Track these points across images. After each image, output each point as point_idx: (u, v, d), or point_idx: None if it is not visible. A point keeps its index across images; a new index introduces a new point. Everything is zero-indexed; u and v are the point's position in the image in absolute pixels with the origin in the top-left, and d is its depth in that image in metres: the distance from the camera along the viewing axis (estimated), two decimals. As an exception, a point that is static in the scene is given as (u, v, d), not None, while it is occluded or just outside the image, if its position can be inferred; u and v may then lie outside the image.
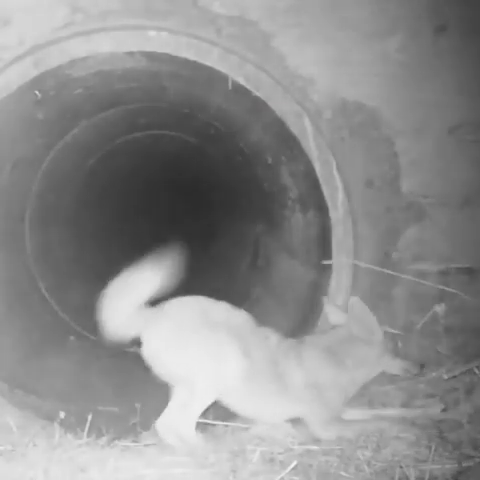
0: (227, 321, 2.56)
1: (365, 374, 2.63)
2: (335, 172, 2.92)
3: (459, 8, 2.86)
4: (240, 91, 2.93)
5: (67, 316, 3.99)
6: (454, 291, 2.89)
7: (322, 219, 3.07)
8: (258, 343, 2.57)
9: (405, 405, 2.69)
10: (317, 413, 2.51)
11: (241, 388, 2.49)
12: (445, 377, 2.70)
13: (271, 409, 2.58)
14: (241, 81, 2.88)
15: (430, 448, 2.23)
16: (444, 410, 2.49)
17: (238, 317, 2.64)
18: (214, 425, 2.65)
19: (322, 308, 2.99)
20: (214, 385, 2.45)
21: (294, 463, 2.15)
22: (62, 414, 2.79)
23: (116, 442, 2.43)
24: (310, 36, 2.85)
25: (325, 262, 2.99)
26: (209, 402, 2.47)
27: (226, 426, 2.61)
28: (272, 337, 2.63)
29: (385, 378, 2.85)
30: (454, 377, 2.74)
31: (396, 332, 2.93)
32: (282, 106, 2.91)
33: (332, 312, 2.74)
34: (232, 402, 2.56)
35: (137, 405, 2.89)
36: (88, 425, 2.49)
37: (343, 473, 2.17)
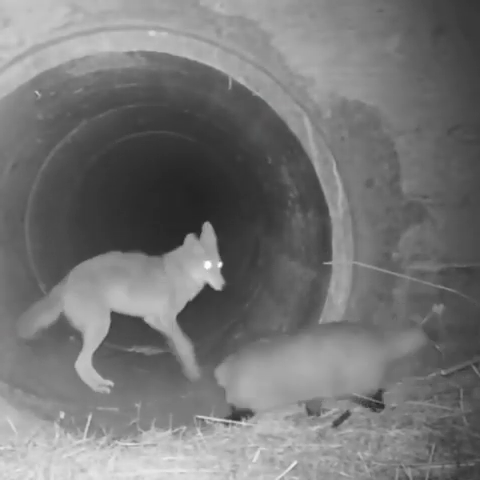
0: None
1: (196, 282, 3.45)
2: (335, 172, 2.92)
3: (458, 8, 2.87)
4: (240, 91, 2.93)
5: (67, 316, 3.99)
6: (454, 291, 2.88)
7: (322, 219, 3.07)
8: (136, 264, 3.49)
9: (404, 405, 2.69)
10: (167, 309, 3.44)
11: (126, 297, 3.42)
12: (443, 373, 2.70)
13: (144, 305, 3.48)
14: (241, 81, 2.88)
15: (430, 448, 2.23)
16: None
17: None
18: (214, 424, 2.64)
19: (322, 308, 3.00)
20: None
21: (294, 463, 2.14)
22: (62, 414, 2.78)
23: (116, 442, 2.42)
24: (310, 36, 2.86)
25: (325, 263, 3.00)
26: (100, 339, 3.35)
27: (226, 425, 2.61)
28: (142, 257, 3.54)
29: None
30: (452, 374, 2.74)
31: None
32: (282, 106, 2.91)
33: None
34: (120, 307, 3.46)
35: (137, 405, 2.88)
36: (88, 425, 2.49)
37: (343, 473, 2.16)
